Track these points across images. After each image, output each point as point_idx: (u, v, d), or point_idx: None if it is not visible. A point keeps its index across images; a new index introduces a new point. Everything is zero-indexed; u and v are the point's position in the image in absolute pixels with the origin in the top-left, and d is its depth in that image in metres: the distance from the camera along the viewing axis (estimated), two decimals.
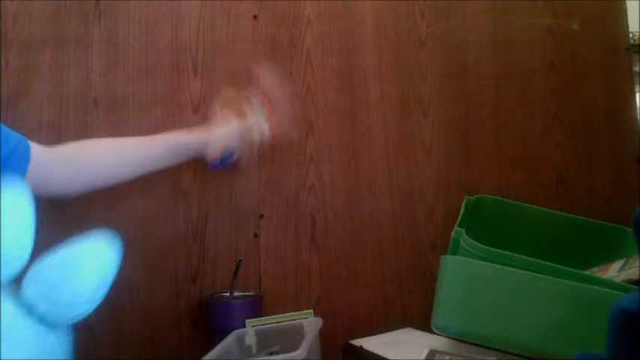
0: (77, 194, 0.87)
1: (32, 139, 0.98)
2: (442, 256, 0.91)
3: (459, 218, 1.01)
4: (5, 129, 0.76)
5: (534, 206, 1.10)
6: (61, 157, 0.84)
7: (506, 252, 0.84)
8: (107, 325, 0.99)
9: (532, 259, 0.82)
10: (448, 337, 0.92)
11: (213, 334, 0.94)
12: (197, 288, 1.04)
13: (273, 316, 0.95)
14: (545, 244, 1.02)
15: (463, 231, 0.90)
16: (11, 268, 0.50)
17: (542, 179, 1.22)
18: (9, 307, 0.48)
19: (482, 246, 0.85)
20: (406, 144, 1.17)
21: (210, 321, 0.99)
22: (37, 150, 0.80)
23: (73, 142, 0.87)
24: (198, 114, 1.04)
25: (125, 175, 0.89)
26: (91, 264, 0.50)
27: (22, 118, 0.98)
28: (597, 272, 0.95)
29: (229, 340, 0.87)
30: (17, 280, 0.51)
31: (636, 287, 0.77)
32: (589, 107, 1.26)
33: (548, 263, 0.81)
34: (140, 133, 1.01)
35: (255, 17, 1.11)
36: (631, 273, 0.87)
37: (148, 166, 0.90)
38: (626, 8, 1.30)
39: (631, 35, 1.31)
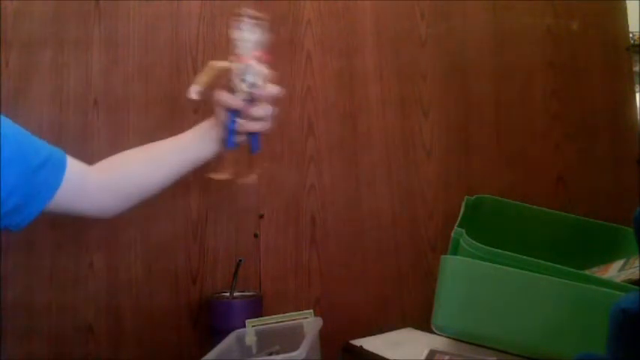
0: (115, 211, 0.83)
1: None
2: (442, 256, 0.91)
3: (459, 218, 1.01)
4: (39, 140, 0.76)
5: (534, 206, 1.10)
6: (98, 170, 0.82)
7: (506, 252, 0.84)
8: (107, 325, 0.99)
9: (532, 259, 0.82)
10: (448, 337, 0.92)
11: (213, 334, 0.94)
12: (197, 288, 1.04)
13: (273, 316, 0.95)
14: (545, 244, 1.02)
15: (463, 231, 0.90)
16: None
17: (542, 179, 1.23)
18: None
19: (482, 246, 0.85)
20: (406, 144, 1.17)
21: (210, 321, 0.99)
22: (74, 164, 0.79)
23: (109, 157, 0.84)
24: (198, 114, 1.04)
25: (163, 178, 0.84)
26: None
27: (22, 118, 0.98)
28: (597, 272, 0.95)
29: (229, 340, 0.87)
30: None
31: (636, 287, 0.77)
32: (589, 107, 1.26)
33: (548, 263, 0.81)
34: (140, 133, 1.01)
35: None
36: (631, 273, 0.87)
37: (182, 159, 0.83)
38: (626, 8, 1.30)
39: (631, 35, 1.32)
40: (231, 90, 0.77)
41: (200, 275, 1.04)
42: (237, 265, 1.01)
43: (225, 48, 1.09)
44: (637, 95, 1.34)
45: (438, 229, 1.16)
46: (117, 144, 1.02)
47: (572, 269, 0.80)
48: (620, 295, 0.69)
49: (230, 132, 0.78)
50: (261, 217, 1.08)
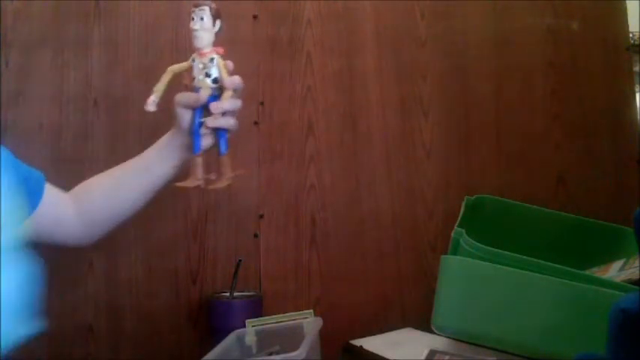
0: (88, 239, 0.82)
1: (32, 139, 0.99)
2: (442, 256, 0.91)
3: (459, 218, 1.01)
4: (18, 161, 0.73)
5: (534, 206, 1.10)
6: (70, 198, 0.80)
7: (506, 252, 0.83)
8: (107, 325, 0.99)
9: (532, 259, 0.82)
10: (448, 337, 0.92)
11: (213, 334, 0.94)
12: (197, 288, 1.04)
13: (273, 316, 0.95)
14: (545, 244, 1.01)
15: (463, 231, 0.90)
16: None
17: (542, 179, 1.23)
18: None
19: (483, 246, 0.85)
20: (406, 144, 1.17)
21: (211, 321, 0.99)
22: (51, 188, 0.77)
23: (79, 185, 0.82)
24: None
25: (131, 201, 0.80)
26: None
27: (22, 118, 0.98)
28: (597, 272, 0.95)
29: (229, 340, 0.87)
30: None
31: (636, 287, 0.77)
32: (589, 107, 1.26)
33: (548, 263, 0.81)
34: (140, 133, 1.01)
35: (255, 17, 1.11)
36: (631, 273, 0.87)
37: (147, 180, 0.79)
38: (626, 8, 1.30)
39: (631, 35, 1.32)
40: (193, 89, 0.73)
41: (200, 275, 1.04)
42: (237, 265, 1.01)
43: (225, 48, 1.10)
44: (637, 95, 1.34)
45: (438, 229, 1.16)
46: (117, 144, 1.02)
47: (572, 269, 0.80)
48: (620, 295, 0.69)
49: (196, 134, 0.73)
50: (261, 217, 1.08)
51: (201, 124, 0.72)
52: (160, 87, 0.73)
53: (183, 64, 0.73)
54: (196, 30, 0.70)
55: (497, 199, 1.11)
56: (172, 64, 1.05)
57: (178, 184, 0.73)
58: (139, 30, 1.05)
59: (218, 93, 0.72)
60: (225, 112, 0.72)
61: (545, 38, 1.26)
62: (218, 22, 0.71)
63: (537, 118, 1.24)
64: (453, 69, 1.21)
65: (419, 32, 1.20)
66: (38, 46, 1.00)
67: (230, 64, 0.72)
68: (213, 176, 0.73)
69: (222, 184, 0.72)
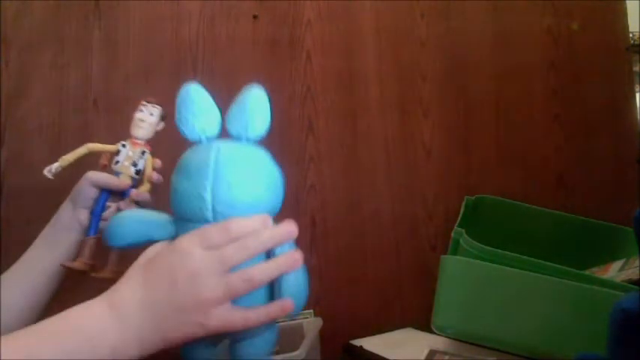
0: None
1: (32, 139, 0.98)
2: (442, 257, 0.91)
3: (459, 218, 1.01)
4: None
5: (534, 206, 1.10)
6: None
7: (506, 252, 0.84)
8: None
9: (532, 259, 0.82)
10: (448, 337, 0.92)
11: None
12: None
13: None
14: (545, 244, 1.02)
15: (463, 231, 0.90)
16: None
17: (542, 179, 1.23)
18: None
19: (482, 246, 0.85)
20: (406, 144, 1.17)
21: None
22: None
23: None
24: None
25: (24, 306, 0.67)
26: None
27: (22, 118, 0.98)
28: (597, 272, 0.95)
29: None
30: None
31: (636, 287, 0.77)
32: (589, 107, 1.26)
33: (549, 263, 0.81)
34: None
35: (255, 17, 1.11)
36: (631, 273, 0.87)
37: (36, 280, 0.68)
38: (626, 8, 1.30)
39: (631, 35, 1.32)
40: (110, 171, 0.71)
41: None
42: None
43: (225, 48, 1.10)
44: (637, 95, 1.34)
45: (438, 229, 1.16)
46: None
47: (572, 269, 0.80)
48: (620, 295, 0.69)
49: (97, 216, 0.70)
50: None
51: (105, 207, 0.70)
52: (69, 158, 0.71)
53: (108, 147, 0.73)
54: (142, 121, 0.72)
55: (497, 199, 1.11)
56: (172, 64, 1.06)
57: (65, 263, 0.69)
58: (139, 30, 1.05)
59: (135, 183, 0.72)
60: (138, 202, 0.71)
61: (545, 38, 1.26)
62: (162, 124, 0.73)
63: (537, 118, 1.24)
64: (453, 69, 1.21)
65: (419, 32, 1.20)
66: (38, 46, 1.00)
67: (158, 162, 0.73)
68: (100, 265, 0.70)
69: (105, 275, 0.69)
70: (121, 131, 1.02)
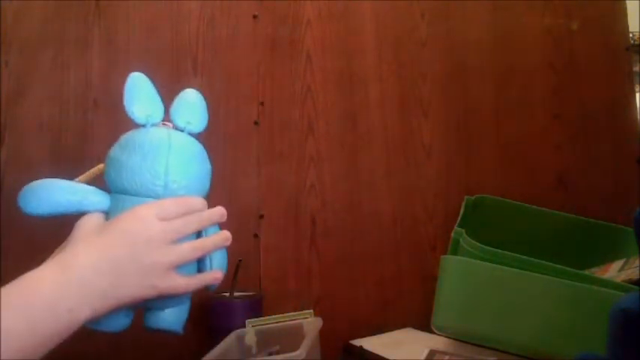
0: None
1: (32, 139, 0.99)
2: (442, 256, 0.91)
3: (459, 218, 1.01)
4: None
5: (534, 206, 1.10)
6: None
7: (506, 252, 0.84)
8: None
9: (532, 259, 0.82)
10: (448, 337, 0.92)
11: (214, 334, 0.94)
12: None
13: (273, 316, 0.95)
14: (545, 244, 1.01)
15: (463, 231, 0.90)
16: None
17: (542, 179, 1.23)
18: None
19: (483, 246, 0.85)
20: (406, 144, 1.17)
21: (211, 321, 0.99)
22: None
23: None
24: None
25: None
26: None
27: (22, 118, 0.98)
28: (597, 272, 0.95)
29: (229, 340, 0.87)
30: None
31: (636, 287, 0.77)
32: (589, 107, 1.26)
33: (549, 263, 0.81)
34: None
35: (255, 17, 1.11)
36: (631, 273, 0.87)
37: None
38: (626, 8, 1.30)
39: (631, 35, 1.32)
40: None
41: None
42: (237, 265, 1.01)
43: (225, 48, 1.10)
44: (637, 95, 1.34)
45: (438, 229, 1.16)
46: None
47: (572, 269, 0.80)
48: (620, 295, 0.69)
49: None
50: (261, 217, 1.08)
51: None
52: (83, 179, 0.70)
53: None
54: None
55: (497, 199, 1.11)
56: (172, 64, 1.06)
57: None
58: (139, 30, 1.05)
59: None
60: None
61: (545, 38, 1.26)
62: None
63: (537, 118, 1.24)
64: (453, 69, 1.21)
65: (419, 32, 1.20)
66: (38, 46, 1.00)
67: None
68: None
69: None
70: (121, 131, 1.03)
